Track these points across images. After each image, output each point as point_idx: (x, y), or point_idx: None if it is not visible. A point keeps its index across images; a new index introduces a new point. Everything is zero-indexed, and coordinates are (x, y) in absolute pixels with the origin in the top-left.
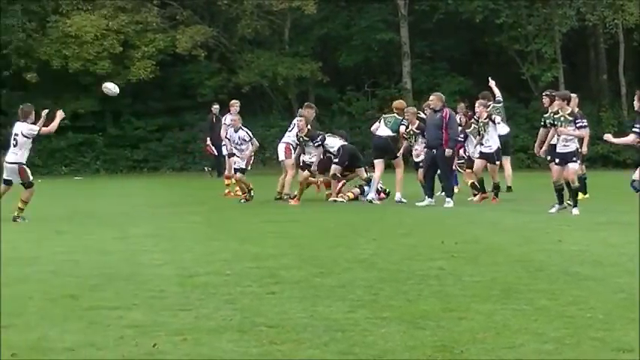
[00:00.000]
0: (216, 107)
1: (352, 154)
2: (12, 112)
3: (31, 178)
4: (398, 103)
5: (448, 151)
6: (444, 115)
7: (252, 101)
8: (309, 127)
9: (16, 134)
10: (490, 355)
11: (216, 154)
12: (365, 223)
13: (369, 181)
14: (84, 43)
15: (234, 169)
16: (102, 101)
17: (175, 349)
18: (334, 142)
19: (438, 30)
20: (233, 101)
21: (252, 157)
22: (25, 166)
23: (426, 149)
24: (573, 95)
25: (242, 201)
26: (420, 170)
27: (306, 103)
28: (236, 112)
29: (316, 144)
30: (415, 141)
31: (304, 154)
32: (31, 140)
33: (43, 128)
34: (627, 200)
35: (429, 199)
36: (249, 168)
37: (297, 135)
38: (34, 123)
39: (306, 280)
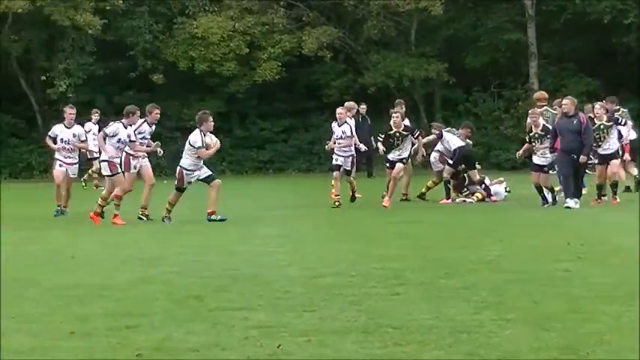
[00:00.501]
0: (363, 107)
1: (467, 155)
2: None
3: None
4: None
5: (583, 158)
6: (581, 120)
7: (379, 102)
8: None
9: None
10: (616, 357)
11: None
12: (490, 224)
13: (480, 183)
14: (210, 44)
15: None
16: (228, 102)
17: (300, 349)
18: (454, 141)
19: (566, 30)
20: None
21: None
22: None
23: (560, 152)
24: None
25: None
26: (540, 174)
27: (397, 101)
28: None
29: (415, 135)
30: (541, 143)
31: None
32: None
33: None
34: None
35: (576, 200)
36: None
37: (390, 132)
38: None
39: (430, 282)
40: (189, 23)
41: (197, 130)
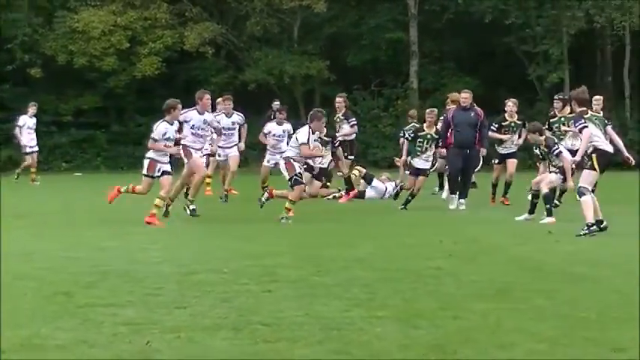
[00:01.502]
0: (276, 104)
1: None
2: (14, 108)
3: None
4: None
5: (484, 151)
6: (478, 113)
7: (258, 99)
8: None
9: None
10: (483, 355)
11: None
12: (364, 222)
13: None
14: (91, 38)
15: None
16: (106, 98)
17: (169, 346)
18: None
19: (447, 30)
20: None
21: None
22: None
23: (454, 147)
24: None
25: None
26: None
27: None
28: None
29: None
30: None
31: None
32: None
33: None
34: (625, 200)
35: (461, 201)
36: None
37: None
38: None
39: (302, 279)
40: (70, 17)
41: (306, 127)
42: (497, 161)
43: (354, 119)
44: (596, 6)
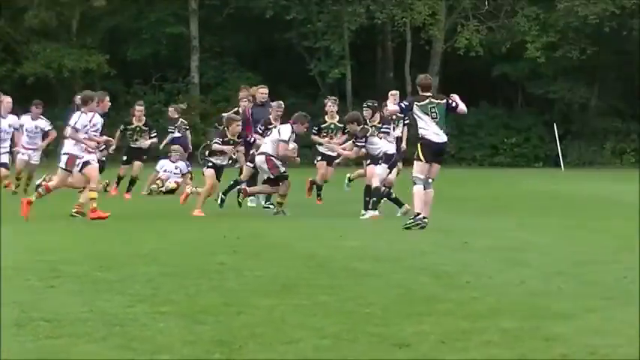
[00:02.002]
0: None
1: None
2: None
3: None
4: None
5: (241, 148)
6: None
7: (37, 93)
8: None
9: None
10: (268, 350)
11: None
12: (152, 217)
13: None
14: None
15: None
16: None
17: None
18: None
19: (228, 25)
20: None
21: None
22: None
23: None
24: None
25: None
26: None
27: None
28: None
29: None
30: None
31: None
32: None
33: None
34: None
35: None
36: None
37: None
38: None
39: (86, 275)
40: None
41: (289, 125)
42: (319, 158)
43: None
44: (377, 2)
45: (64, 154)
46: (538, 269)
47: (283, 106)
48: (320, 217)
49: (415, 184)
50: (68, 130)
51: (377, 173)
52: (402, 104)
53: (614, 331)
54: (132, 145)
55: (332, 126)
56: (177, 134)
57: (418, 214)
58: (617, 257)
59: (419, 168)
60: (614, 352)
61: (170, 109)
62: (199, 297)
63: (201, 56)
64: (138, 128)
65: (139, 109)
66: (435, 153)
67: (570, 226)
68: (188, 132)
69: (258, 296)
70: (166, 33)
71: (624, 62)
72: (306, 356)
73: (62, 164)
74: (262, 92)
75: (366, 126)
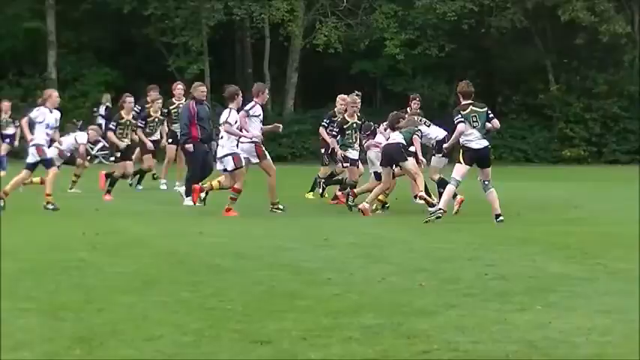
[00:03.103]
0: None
1: None
2: None
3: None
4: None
5: (189, 146)
6: (209, 107)
7: None
8: None
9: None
10: (129, 347)
11: None
12: (14, 213)
13: None
14: None
15: None
16: None
17: None
18: None
19: (86, 20)
20: None
21: None
22: None
23: (198, 142)
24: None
25: None
26: None
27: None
28: None
29: None
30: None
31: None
32: None
33: None
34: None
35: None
36: None
37: None
38: None
39: None
40: None
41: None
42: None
43: None
44: None
45: None
46: (399, 266)
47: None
48: (177, 215)
49: (450, 183)
50: None
51: (432, 166)
52: (460, 120)
53: (475, 327)
54: None
55: (354, 125)
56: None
57: (440, 208)
58: (477, 254)
59: (458, 171)
60: (475, 348)
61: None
62: (59, 293)
63: (58, 51)
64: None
65: (6, 104)
66: (477, 159)
67: (430, 222)
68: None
69: (119, 293)
70: (23, 28)
71: (482, 59)
72: (167, 353)
73: None
74: (203, 90)
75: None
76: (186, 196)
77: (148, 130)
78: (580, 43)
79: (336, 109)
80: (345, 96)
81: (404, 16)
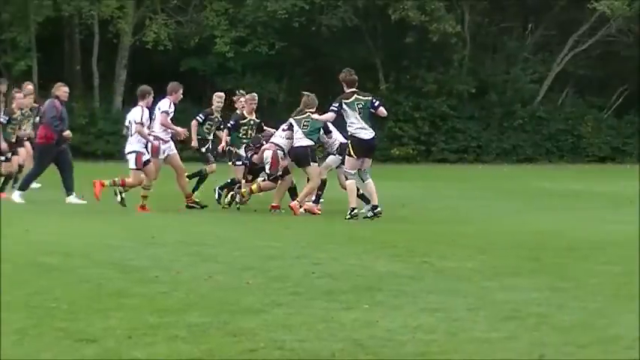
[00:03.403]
0: None
1: None
2: None
3: None
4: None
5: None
6: (55, 105)
7: None
8: None
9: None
10: None
11: None
12: None
13: None
14: None
15: None
16: None
17: None
18: None
19: None
20: None
21: None
22: None
23: (51, 145)
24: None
25: None
26: None
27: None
28: None
29: None
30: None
31: None
32: None
33: None
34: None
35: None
36: None
37: None
38: None
39: None
40: None
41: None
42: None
43: None
44: None
45: None
46: (227, 264)
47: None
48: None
49: (347, 178)
50: None
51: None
52: (333, 107)
53: (302, 325)
54: None
55: (251, 122)
56: None
57: (354, 208)
58: (305, 252)
59: (350, 164)
60: (301, 346)
61: None
62: None
63: None
64: None
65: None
66: (366, 150)
67: (258, 220)
68: None
69: None
70: None
71: (313, 57)
72: None
73: None
74: (66, 90)
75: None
76: (20, 190)
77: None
78: (410, 42)
79: (213, 107)
80: (222, 93)
81: (234, 13)
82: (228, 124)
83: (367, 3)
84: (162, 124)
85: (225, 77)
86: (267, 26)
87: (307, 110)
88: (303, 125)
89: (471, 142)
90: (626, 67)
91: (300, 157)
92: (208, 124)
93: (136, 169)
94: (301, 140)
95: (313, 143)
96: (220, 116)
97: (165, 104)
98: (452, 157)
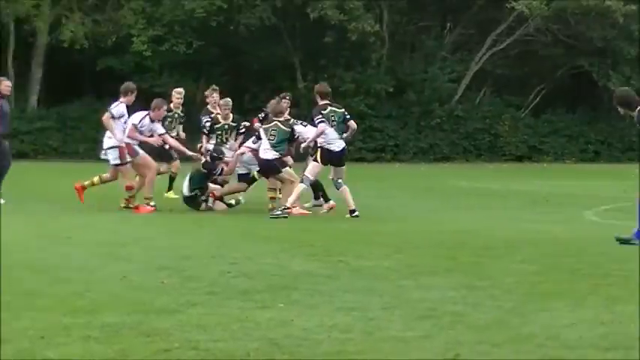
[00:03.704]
0: None
1: None
2: None
3: None
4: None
5: None
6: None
7: None
8: None
9: None
10: None
11: None
12: None
13: None
14: None
15: None
16: None
17: None
18: None
19: None
20: None
21: None
22: None
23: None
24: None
25: None
26: None
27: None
28: None
29: None
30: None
31: None
32: None
33: None
34: None
35: None
36: None
37: None
38: None
39: None
40: None
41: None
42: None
43: None
44: None
45: None
46: (142, 263)
47: None
48: None
49: (302, 182)
50: None
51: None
52: (319, 119)
53: (217, 325)
54: None
55: (226, 127)
56: None
57: (286, 207)
58: (220, 252)
59: (313, 169)
60: (216, 346)
61: None
62: None
63: None
64: None
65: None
66: (333, 160)
67: (174, 219)
68: None
69: None
70: None
71: (230, 56)
72: None
73: None
74: (8, 85)
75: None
76: None
77: None
78: (329, 42)
79: (172, 104)
80: (181, 89)
81: (152, 12)
82: (204, 130)
83: (286, 2)
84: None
85: (143, 76)
86: (185, 25)
87: (275, 119)
88: (270, 135)
89: (388, 141)
90: (544, 67)
91: (267, 170)
92: (168, 121)
93: (120, 164)
94: (267, 152)
95: (279, 155)
96: (181, 111)
97: (136, 118)
98: (369, 156)
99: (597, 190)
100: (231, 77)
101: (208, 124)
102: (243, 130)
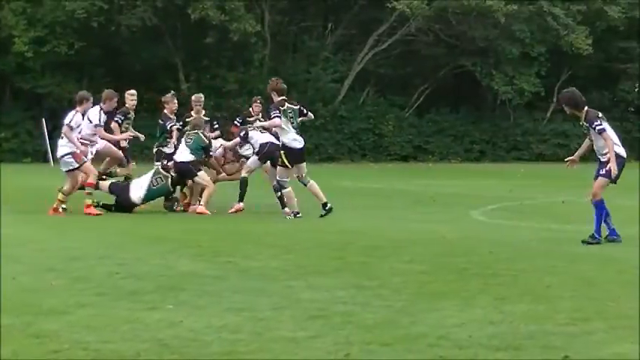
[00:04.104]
0: None
1: None
2: None
3: None
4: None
5: None
6: None
7: None
8: None
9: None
10: None
11: None
12: None
13: None
14: None
15: None
16: None
17: None
18: None
19: None
20: None
21: None
22: None
23: None
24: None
25: None
26: None
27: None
28: None
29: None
30: None
31: None
32: None
33: None
34: None
35: None
36: None
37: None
38: None
39: None
40: None
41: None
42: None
43: None
44: None
45: None
46: (30, 265)
47: None
48: None
49: (284, 187)
50: None
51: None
52: (276, 113)
53: (106, 326)
54: None
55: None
56: None
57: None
58: (109, 253)
59: (284, 173)
60: (105, 347)
61: None
62: None
63: None
64: None
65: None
66: (298, 158)
67: (61, 221)
68: None
69: None
70: None
71: (112, 57)
72: None
73: None
74: None
75: None
76: None
77: None
78: (210, 42)
79: (127, 105)
80: (134, 91)
81: (33, 13)
82: (173, 129)
83: (166, 2)
84: (101, 137)
85: (24, 77)
86: (66, 26)
87: (191, 133)
88: (187, 139)
89: None
90: (427, 66)
91: (184, 172)
92: (126, 123)
93: (79, 166)
94: (183, 154)
95: (194, 159)
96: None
97: (95, 115)
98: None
99: (483, 189)
100: (114, 78)
101: (179, 124)
102: (217, 125)
